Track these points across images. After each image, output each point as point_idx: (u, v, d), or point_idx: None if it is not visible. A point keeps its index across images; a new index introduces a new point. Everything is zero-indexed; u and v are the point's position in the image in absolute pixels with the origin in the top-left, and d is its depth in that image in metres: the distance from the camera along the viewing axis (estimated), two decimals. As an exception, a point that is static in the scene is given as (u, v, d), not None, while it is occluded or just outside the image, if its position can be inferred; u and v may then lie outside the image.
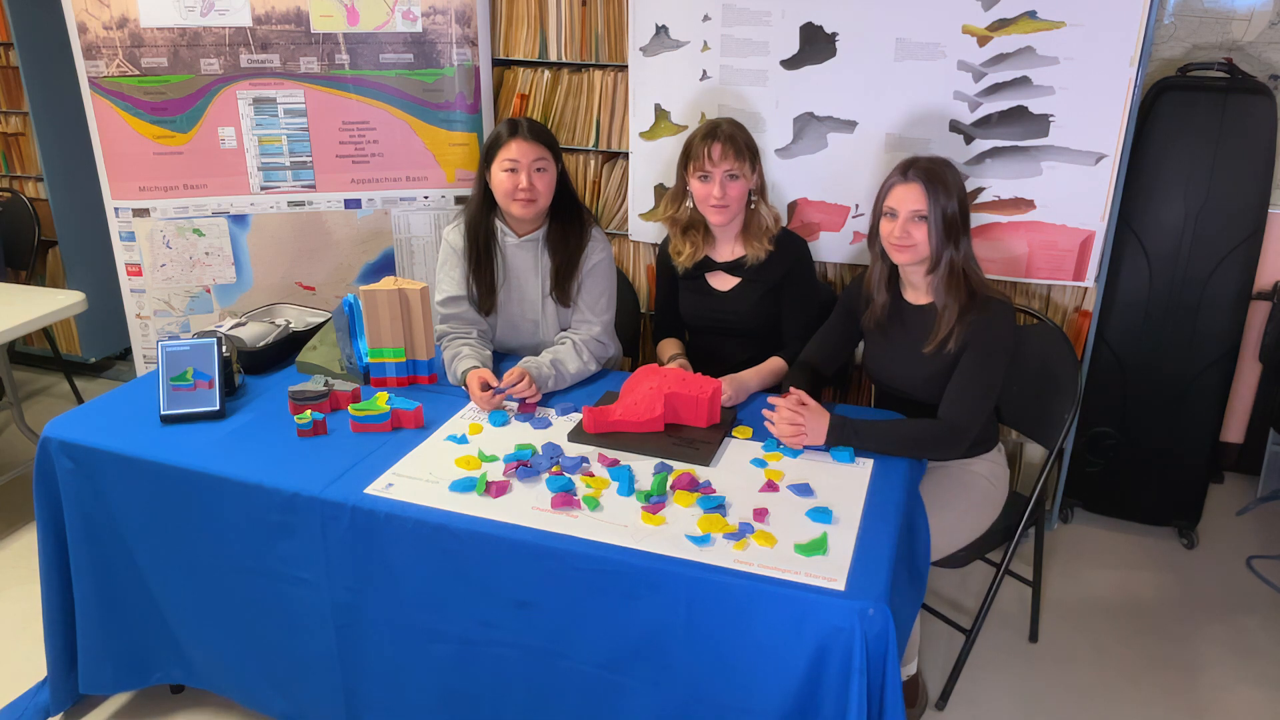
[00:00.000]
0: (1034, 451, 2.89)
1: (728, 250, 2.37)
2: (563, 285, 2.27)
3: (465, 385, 2.11)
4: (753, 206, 2.32)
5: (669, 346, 2.47)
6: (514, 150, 2.15)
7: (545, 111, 2.97)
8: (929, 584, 2.12)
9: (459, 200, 3.01)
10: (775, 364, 2.26)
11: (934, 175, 1.94)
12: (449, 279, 2.29)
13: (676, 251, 2.39)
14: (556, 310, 2.31)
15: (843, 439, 1.89)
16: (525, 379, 2.06)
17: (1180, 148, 2.60)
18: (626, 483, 1.76)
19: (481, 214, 2.26)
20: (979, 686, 2.31)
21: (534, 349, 2.30)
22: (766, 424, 1.94)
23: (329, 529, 1.75)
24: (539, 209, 2.21)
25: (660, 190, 2.88)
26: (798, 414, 1.90)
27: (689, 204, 2.35)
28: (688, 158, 2.27)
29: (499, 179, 2.18)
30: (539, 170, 2.17)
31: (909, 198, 1.94)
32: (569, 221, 2.28)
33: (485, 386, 2.05)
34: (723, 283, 2.38)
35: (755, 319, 2.37)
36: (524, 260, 2.29)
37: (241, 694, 2.05)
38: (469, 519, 1.68)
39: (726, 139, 2.22)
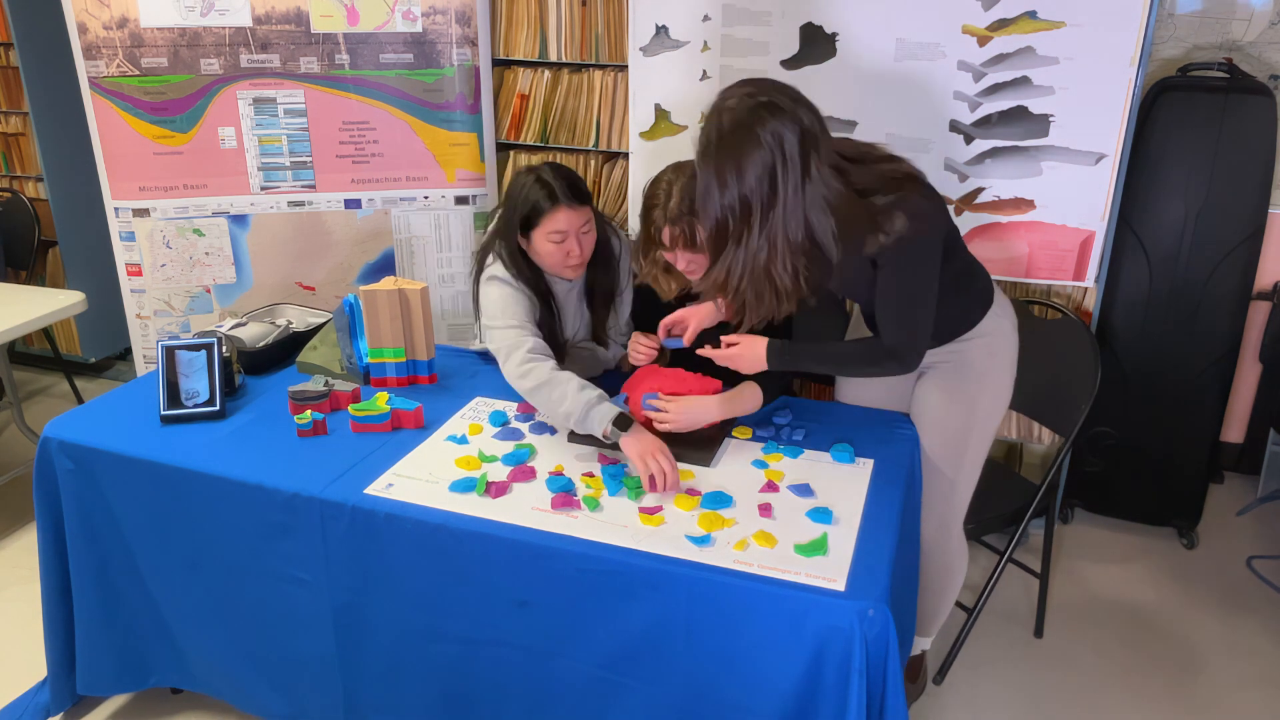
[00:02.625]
0: (1035, 449, 2.89)
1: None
2: (602, 327, 2.22)
3: (618, 434, 1.82)
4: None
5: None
6: (561, 221, 1.97)
7: (545, 111, 2.97)
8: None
9: (460, 201, 3.01)
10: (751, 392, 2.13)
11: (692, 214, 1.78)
12: (514, 310, 2.05)
13: (664, 290, 2.19)
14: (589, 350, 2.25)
15: (783, 361, 1.85)
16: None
17: (1180, 148, 2.60)
18: (616, 482, 1.76)
19: (534, 274, 2.07)
20: (982, 680, 2.31)
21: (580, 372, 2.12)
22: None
23: (329, 529, 1.75)
24: (585, 265, 2.09)
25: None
26: (729, 350, 1.87)
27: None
28: (644, 224, 2.04)
29: (545, 249, 2.01)
30: (585, 232, 2.03)
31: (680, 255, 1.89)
32: (603, 258, 2.14)
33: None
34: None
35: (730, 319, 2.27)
36: (569, 295, 2.19)
37: (240, 696, 2.05)
38: (469, 519, 1.68)
39: (671, 221, 1.93)
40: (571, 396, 1.86)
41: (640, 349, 2.11)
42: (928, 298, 1.77)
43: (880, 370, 1.88)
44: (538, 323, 2.06)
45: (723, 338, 1.91)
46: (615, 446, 1.87)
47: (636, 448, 1.78)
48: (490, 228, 2.15)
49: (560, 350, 2.10)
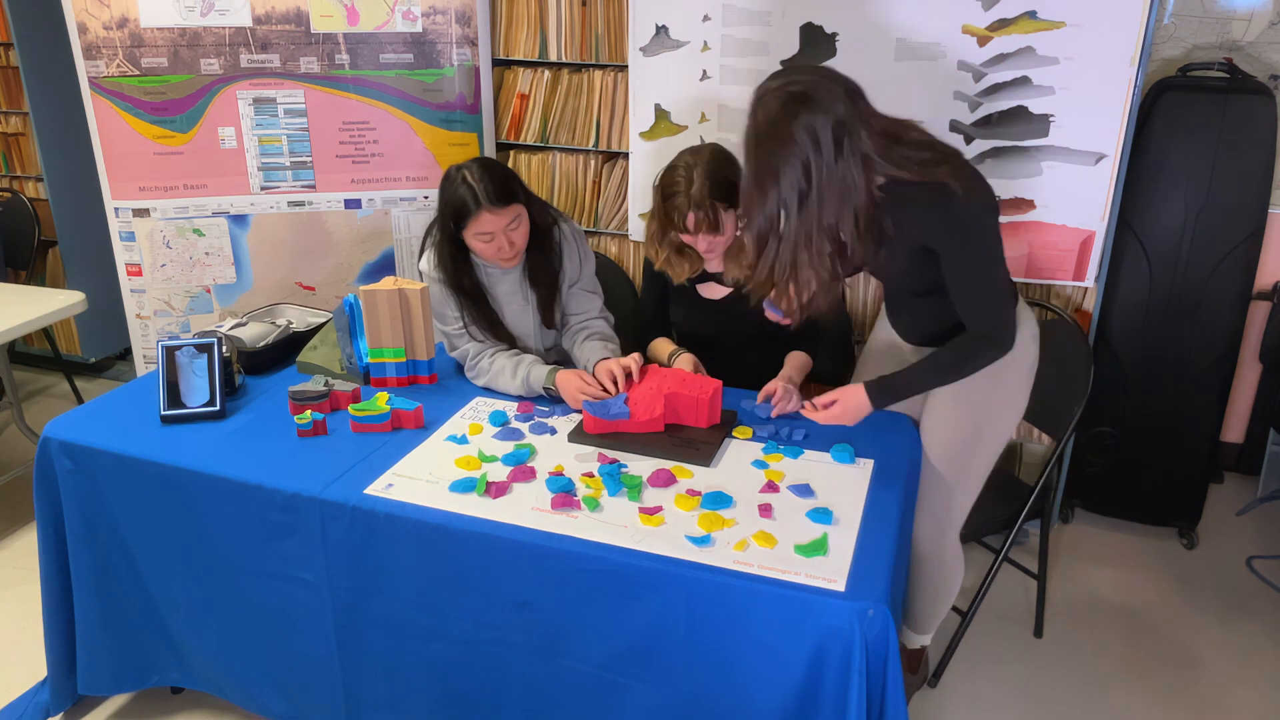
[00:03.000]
0: (1034, 449, 2.89)
1: (711, 262, 2.33)
2: (549, 311, 2.26)
3: (551, 389, 2.06)
4: (738, 233, 2.16)
5: (665, 344, 2.39)
6: (486, 223, 2.04)
7: (545, 111, 2.97)
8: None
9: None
10: (800, 359, 2.22)
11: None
12: (444, 313, 2.22)
13: (677, 272, 2.29)
14: (543, 336, 2.31)
15: (886, 397, 1.83)
16: (624, 372, 2.04)
17: (1180, 148, 2.60)
18: (615, 481, 1.76)
19: (460, 267, 2.16)
20: (981, 680, 2.31)
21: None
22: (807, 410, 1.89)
23: (329, 529, 1.75)
24: (521, 254, 2.16)
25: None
26: (830, 409, 1.85)
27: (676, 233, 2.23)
28: (665, 210, 2.14)
29: (476, 246, 2.10)
30: (513, 229, 2.08)
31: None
32: (543, 246, 2.20)
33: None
34: (714, 292, 2.33)
35: (749, 327, 2.28)
36: (509, 286, 2.24)
37: (241, 696, 2.05)
38: (469, 519, 1.68)
39: (696, 206, 2.07)
40: (506, 382, 2.12)
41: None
42: (999, 269, 1.77)
43: (982, 362, 1.82)
44: (474, 316, 2.18)
45: (817, 400, 1.90)
46: (616, 447, 1.91)
47: (569, 389, 2.03)
48: (428, 227, 2.21)
49: (504, 335, 2.22)
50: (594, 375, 2.06)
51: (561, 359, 2.33)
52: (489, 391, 2.17)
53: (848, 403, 1.86)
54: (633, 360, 2.05)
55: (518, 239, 2.11)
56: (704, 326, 2.36)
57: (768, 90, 1.63)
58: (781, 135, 1.59)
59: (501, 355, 2.17)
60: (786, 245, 1.66)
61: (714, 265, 2.25)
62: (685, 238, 2.15)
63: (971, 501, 2.01)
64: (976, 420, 1.93)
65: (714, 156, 2.13)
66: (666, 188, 2.12)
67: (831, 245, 1.68)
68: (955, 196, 1.65)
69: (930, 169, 1.67)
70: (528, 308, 2.26)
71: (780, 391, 2.04)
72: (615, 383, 2.01)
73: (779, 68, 2.60)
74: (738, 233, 2.15)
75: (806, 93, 1.59)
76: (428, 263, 2.20)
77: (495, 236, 2.06)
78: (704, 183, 2.06)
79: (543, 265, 2.22)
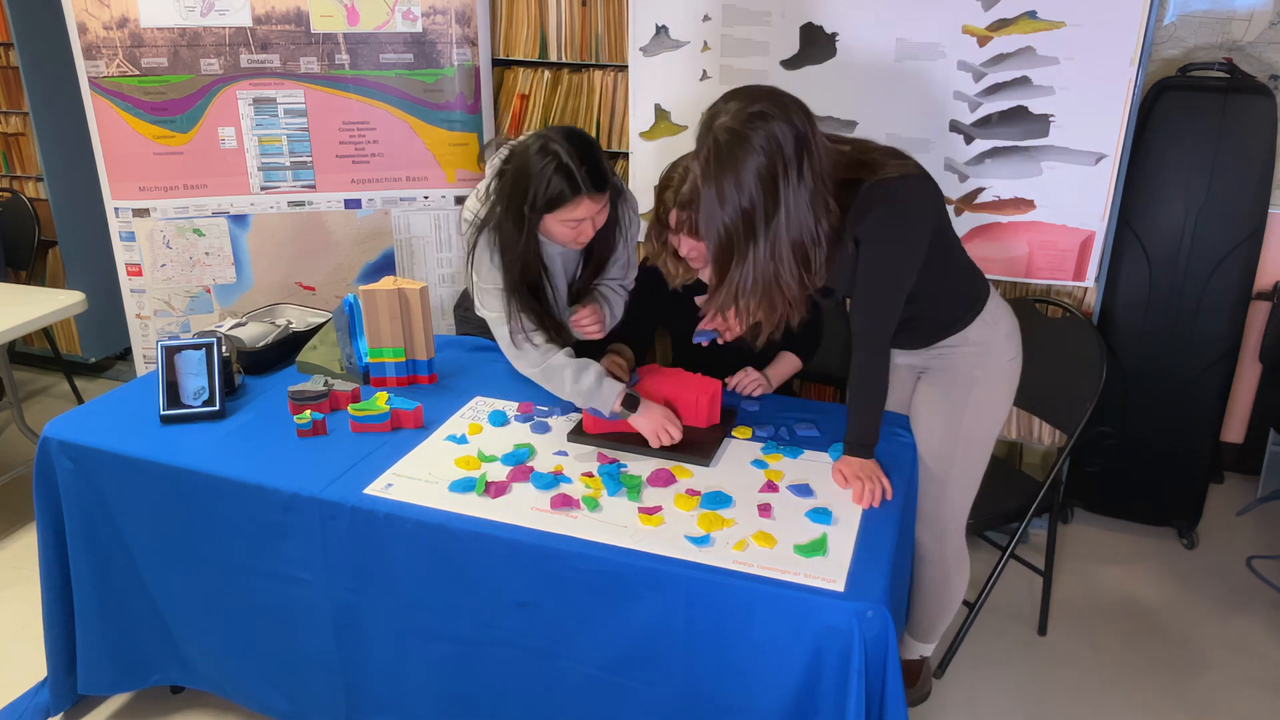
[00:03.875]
0: (1035, 448, 2.89)
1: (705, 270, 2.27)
2: (589, 280, 2.12)
3: (627, 413, 1.89)
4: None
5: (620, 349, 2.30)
6: (582, 210, 1.84)
7: (545, 112, 2.97)
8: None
9: (459, 200, 3.01)
10: (788, 360, 2.24)
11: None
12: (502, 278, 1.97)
13: (671, 274, 2.17)
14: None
15: (866, 446, 1.82)
16: (596, 313, 2.00)
17: (1180, 148, 2.60)
18: (614, 481, 1.76)
19: (527, 253, 1.92)
20: (985, 678, 2.31)
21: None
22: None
23: (329, 529, 1.75)
24: None
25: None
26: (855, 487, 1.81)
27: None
28: (655, 204, 2.05)
29: (557, 230, 1.89)
30: (601, 214, 1.91)
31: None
32: (606, 231, 2.02)
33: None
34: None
35: (745, 335, 2.27)
36: (565, 263, 2.09)
37: (241, 694, 2.05)
38: (469, 519, 1.68)
39: (681, 205, 1.89)
40: (570, 388, 1.92)
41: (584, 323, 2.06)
42: (898, 282, 1.73)
43: (866, 371, 1.81)
44: (531, 290, 1.98)
45: (702, 323, 1.91)
46: (615, 447, 1.91)
47: (648, 425, 1.88)
48: (494, 192, 1.92)
49: (551, 318, 2.02)
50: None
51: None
52: (489, 391, 2.16)
53: (850, 467, 1.80)
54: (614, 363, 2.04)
55: (601, 220, 1.93)
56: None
57: (720, 114, 1.61)
58: (743, 145, 1.57)
59: (561, 354, 1.96)
60: (755, 265, 1.64)
61: (702, 273, 2.22)
62: (670, 237, 2.12)
63: (969, 500, 2.01)
64: (955, 417, 1.93)
65: None
66: (662, 180, 2.09)
67: (801, 262, 1.66)
68: (894, 197, 1.66)
69: (877, 167, 1.68)
70: (570, 278, 2.12)
71: (747, 381, 2.05)
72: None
73: (778, 68, 2.63)
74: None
75: (763, 110, 1.59)
76: (490, 242, 1.94)
77: (584, 222, 1.87)
78: (693, 184, 2.01)
79: (600, 244, 2.04)
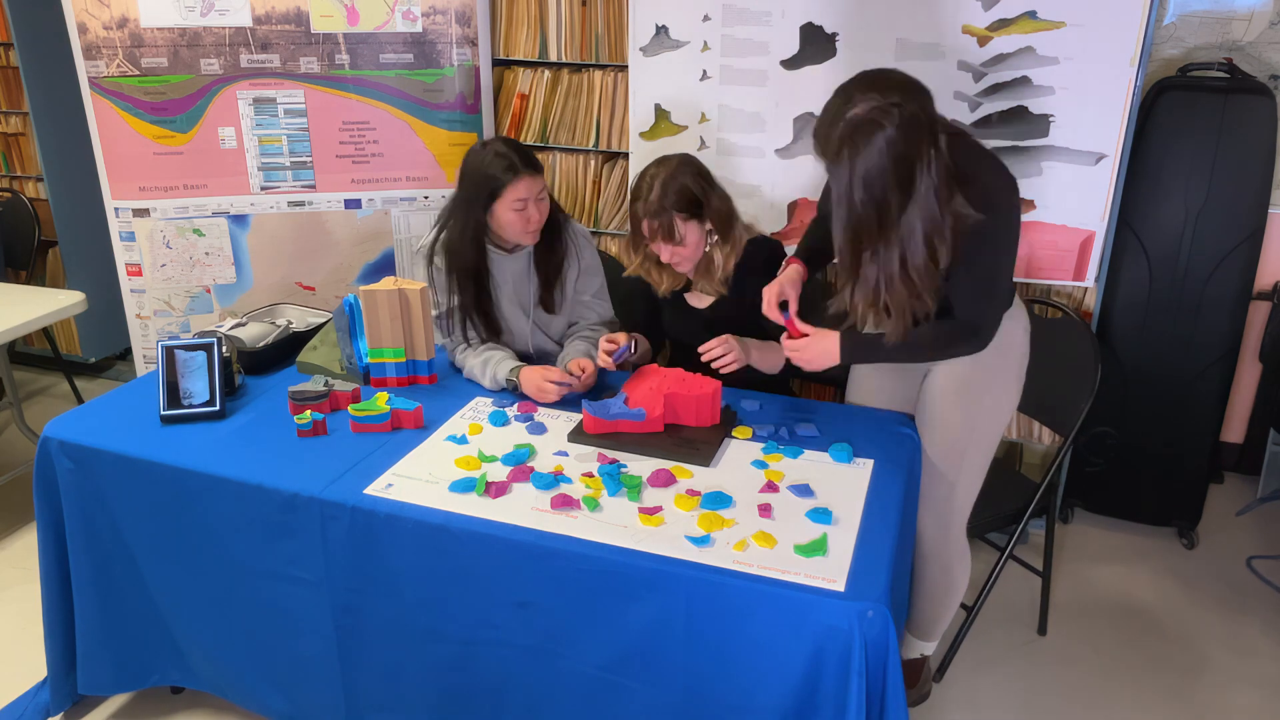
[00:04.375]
0: (1035, 448, 2.89)
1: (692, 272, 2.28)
2: (550, 295, 2.29)
3: (514, 382, 2.11)
4: (708, 249, 2.17)
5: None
6: (523, 189, 2.09)
7: (545, 112, 2.97)
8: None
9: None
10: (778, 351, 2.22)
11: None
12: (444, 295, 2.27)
13: (657, 282, 2.27)
14: (538, 319, 2.31)
15: (856, 356, 1.85)
16: (591, 369, 2.12)
17: (1180, 148, 2.60)
18: (614, 481, 1.76)
19: (475, 253, 2.19)
20: (985, 678, 2.31)
21: (522, 354, 2.28)
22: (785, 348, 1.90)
23: (329, 529, 1.75)
24: (539, 230, 2.20)
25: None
26: (799, 347, 1.86)
27: None
28: (632, 217, 2.16)
29: (507, 219, 2.13)
30: (540, 200, 2.15)
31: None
32: (551, 235, 2.25)
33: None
34: (700, 300, 2.29)
35: (737, 333, 2.21)
36: (514, 270, 2.26)
37: (241, 695, 2.05)
38: (469, 519, 1.68)
39: (651, 215, 2.08)
40: (478, 376, 2.19)
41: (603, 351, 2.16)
42: (1008, 270, 1.78)
43: (955, 351, 1.84)
44: (471, 303, 2.22)
45: (790, 327, 1.88)
46: (615, 447, 1.91)
47: (531, 381, 2.09)
48: (446, 209, 2.23)
49: (494, 325, 2.26)
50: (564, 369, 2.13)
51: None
52: (489, 391, 2.17)
53: (816, 346, 1.85)
54: (603, 345, 2.10)
55: (544, 210, 2.16)
56: (694, 335, 2.34)
57: (853, 104, 1.60)
58: (882, 140, 1.58)
59: (473, 353, 2.22)
60: (889, 255, 1.65)
61: (680, 269, 2.22)
62: (652, 246, 2.15)
63: (973, 497, 2.01)
64: (970, 413, 1.94)
65: (680, 166, 2.11)
66: (632, 193, 2.16)
67: (929, 254, 1.67)
68: (998, 193, 1.68)
69: (975, 160, 1.71)
70: (528, 286, 2.28)
71: (721, 351, 2.05)
72: (582, 373, 2.10)
73: (778, 68, 2.63)
74: (707, 248, 2.16)
75: (900, 102, 1.58)
76: (428, 241, 2.25)
77: (527, 204, 2.10)
78: (661, 192, 2.06)
79: (547, 252, 2.25)
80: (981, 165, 1.71)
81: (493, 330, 2.26)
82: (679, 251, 2.12)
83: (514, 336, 2.32)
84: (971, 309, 1.80)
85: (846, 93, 1.63)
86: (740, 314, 2.22)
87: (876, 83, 1.63)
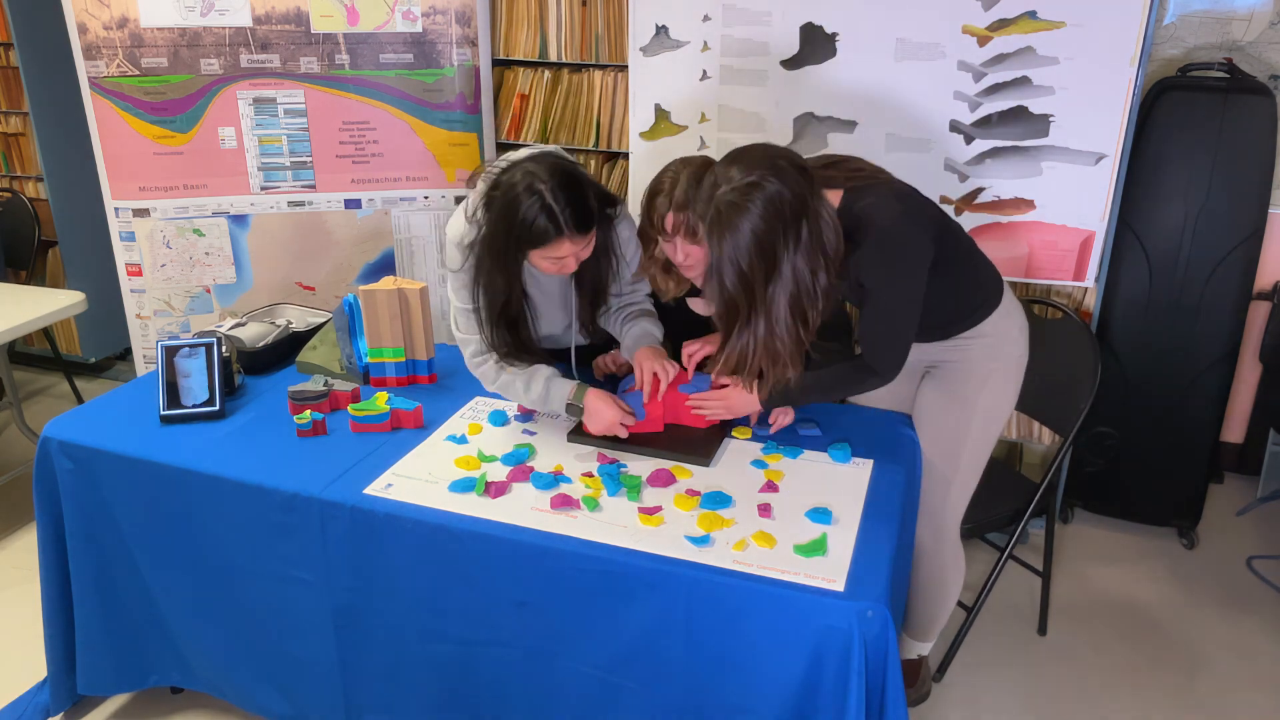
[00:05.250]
0: (1034, 448, 2.89)
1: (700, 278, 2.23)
2: (589, 316, 2.10)
3: (577, 406, 1.90)
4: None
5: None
6: (564, 249, 1.83)
7: (545, 111, 2.97)
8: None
9: (460, 201, 3.00)
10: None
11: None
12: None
13: (662, 289, 2.18)
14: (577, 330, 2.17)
15: (774, 401, 1.89)
16: (666, 367, 1.97)
17: (1180, 148, 2.60)
18: (614, 481, 1.76)
19: (509, 284, 1.93)
20: (985, 678, 2.31)
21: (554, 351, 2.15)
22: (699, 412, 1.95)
23: (329, 529, 1.75)
24: None
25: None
26: (720, 397, 1.91)
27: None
28: (646, 211, 2.03)
29: (540, 264, 1.89)
30: (585, 249, 1.90)
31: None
32: (597, 257, 1.99)
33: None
34: (704, 308, 2.28)
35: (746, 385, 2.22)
36: (554, 295, 2.08)
37: (240, 695, 2.05)
38: (468, 519, 1.68)
39: (677, 208, 1.90)
40: (519, 393, 1.97)
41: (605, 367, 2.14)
42: (908, 306, 1.77)
43: (864, 387, 1.89)
44: (508, 323, 1.98)
45: (713, 379, 1.94)
46: (615, 447, 1.91)
47: (602, 417, 1.89)
48: (481, 221, 1.89)
49: (527, 345, 2.03)
50: (635, 363, 2.00)
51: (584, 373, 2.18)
52: (489, 391, 2.16)
53: (737, 395, 1.90)
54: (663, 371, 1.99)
55: (586, 254, 1.91)
56: (693, 338, 2.32)
57: (719, 186, 1.64)
58: (743, 218, 1.61)
59: (509, 374, 1.99)
60: (756, 331, 1.70)
61: (698, 281, 2.20)
62: (665, 246, 2.10)
63: (967, 497, 2.01)
64: (966, 413, 1.94)
65: (703, 166, 2.09)
66: (652, 188, 2.07)
67: (797, 321, 1.71)
68: (884, 226, 1.70)
69: (868, 178, 1.77)
70: (568, 311, 2.11)
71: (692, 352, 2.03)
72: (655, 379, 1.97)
73: (778, 68, 2.63)
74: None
75: (761, 180, 1.62)
76: (463, 233, 1.93)
77: (566, 259, 1.86)
78: (687, 185, 1.95)
79: (591, 270, 2.02)
80: (879, 213, 1.72)
81: (521, 348, 2.02)
82: (693, 252, 2.06)
83: (554, 340, 2.15)
84: (870, 349, 1.83)
85: (714, 174, 1.68)
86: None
87: (741, 159, 1.66)
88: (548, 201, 1.77)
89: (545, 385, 1.95)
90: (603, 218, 1.94)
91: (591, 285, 2.06)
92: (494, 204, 1.85)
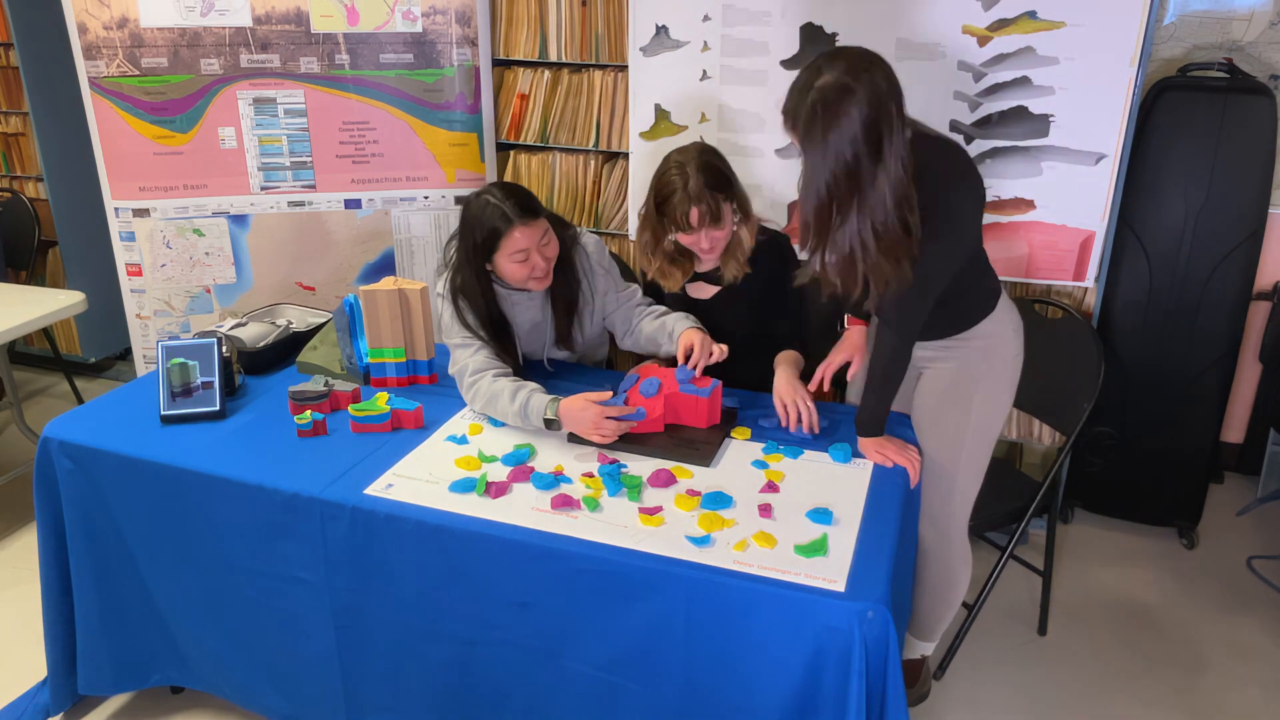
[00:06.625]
0: (1035, 448, 2.89)
1: (709, 261, 2.26)
2: (566, 331, 2.21)
3: (556, 419, 1.92)
4: (734, 229, 2.16)
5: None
6: (519, 240, 1.99)
7: (545, 111, 2.97)
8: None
9: (459, 201, 3.01)
10: (792, 357, 2.18)
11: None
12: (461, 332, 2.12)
13: (666, 277, 2.24)
14: (551, 355, 2.27)
15: (868, 430, 1.91)
16: (711, 347, 2.03)
17: (1180, 148, 2.60)
18: (614, 482, 1.76)
19: (487, 301, 2.09)
20: (985, 678, 2.31)
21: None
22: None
23: (329, 529, 1.75)
24: (551, 274, 2.10)
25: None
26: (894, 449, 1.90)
27: (672, 238, 2.17)
28: (662, 213, 2.10)
29: (509, 269, 2.04)
30: (545, 244, 2.04)
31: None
32: (565, 271, 2.15)
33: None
34: (703, 292, 2.28)
35: (739, 325, 2.25)
36: (530, 308, 2.19)
37: (241, 695, 2.05)
38: (469, 520, 1.68)
39: (697, 200, 2.03)
40: (504, 407, 1.97)
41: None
42: (945, 266, 1.76)
43: (887, 351, 1.86)
44: (496, 349, 2.09)
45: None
46: (615, 447, 1.91)
47: (580, 417, 1.90)
48: (452, 259, 2.11)
49: (513, 359, 2.13)
50: (679, 344, 2.07)
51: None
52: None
53: (883, 446, 1.90)
54: (718, 349, 2.04)
55: (549, 254, 2.06)
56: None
57: (819, 75, 1.62)
58: (850, 101, 1.59)
59: (502, 379, 2.03)
60: (861, 217, 1.65)
61: (708, 263, 2.23)
62: (685, 239, 2.12)
63: (971, 497, 2.01)
64: (961, 413, 1.95)
65: (703, 151, 2.11)
66: (662, 190, 2.09)
67: (900, 224, 1.66)
68: (949, 184, 1.71)
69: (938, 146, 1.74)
70: (544, 327, 2.22)
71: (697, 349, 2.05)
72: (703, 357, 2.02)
73: (778, 68, 2.63)
74: (734, 226, 2.15)
75: (868, 66, 1.61)
76: (445, 283, 2.12)
77: (529, 254, 2.01)
78: (700, 176, 2.04)
79: (562, 286, 2.17)
80: (948, 166, 1.72)
81: (509, 365, 2.12)
82: (717, 237, 2.10)
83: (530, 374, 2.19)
84: (890, 306, 1.79)
85: (814, 66, 1.65)
86: (741, 304, 2.23)
87: (842, 54, 1.65)
88: (494, 201, 2.00)
89: (526, 395, 1.96)
90: (562, 234, 2.12)
91: (565, 300, 2.18)
92: (460, 226, 2.07)
